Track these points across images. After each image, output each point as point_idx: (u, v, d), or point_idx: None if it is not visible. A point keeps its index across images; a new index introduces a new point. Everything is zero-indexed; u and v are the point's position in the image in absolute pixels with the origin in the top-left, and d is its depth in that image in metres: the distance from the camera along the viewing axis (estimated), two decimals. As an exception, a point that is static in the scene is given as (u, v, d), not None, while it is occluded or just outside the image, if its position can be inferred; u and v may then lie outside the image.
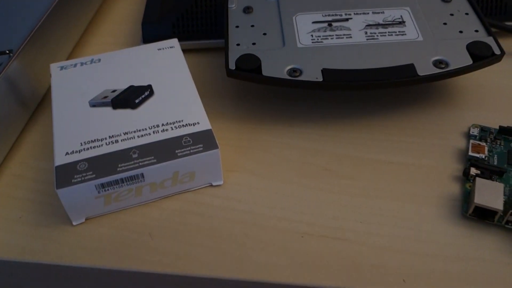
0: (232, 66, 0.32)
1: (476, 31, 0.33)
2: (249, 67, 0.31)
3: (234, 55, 0.32)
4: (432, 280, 0.25)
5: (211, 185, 0.30)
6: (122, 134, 0.28)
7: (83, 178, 0.26)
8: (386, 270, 0.26)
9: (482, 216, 0.27)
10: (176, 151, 0.27)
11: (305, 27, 0.34)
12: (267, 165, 0.31)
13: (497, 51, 0.31)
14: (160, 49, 0.34)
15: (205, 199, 0.29)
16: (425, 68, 0.31)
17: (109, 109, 0.30)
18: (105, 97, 0.31)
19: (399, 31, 0.34)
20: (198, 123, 0.29)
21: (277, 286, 0.26)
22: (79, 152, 0.27)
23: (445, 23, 0.34)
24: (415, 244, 0.27)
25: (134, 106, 0.30)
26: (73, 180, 0.26)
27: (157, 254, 0.27)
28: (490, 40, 0.32)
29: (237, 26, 0.35)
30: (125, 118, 0.29)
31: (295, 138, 0.33)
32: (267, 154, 0.32)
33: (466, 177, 0.30)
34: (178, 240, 0.27)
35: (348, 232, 0.27)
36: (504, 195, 0.28)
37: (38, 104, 0.36)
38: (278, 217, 0.28)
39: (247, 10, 0.36)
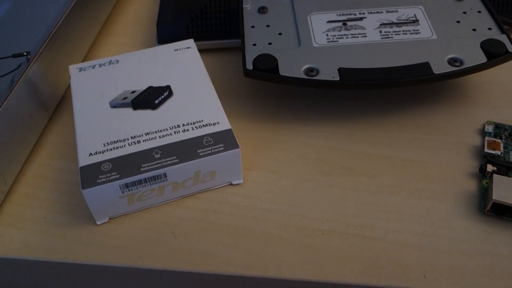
0: (249, 66, 0.32)
1: (489, 29, 0.34)
2: (266, 67, 0.32)
3: (251, 55, 0.33)
4: (452, 275, 0.26)
5: (231, 184, 0.30)
6: (144, 135, 0.29)
7: (107, 179, 0.26)
8: (406, 267, 0.26)
9: (500, 212, 0.28)
10: (198, 151, 0.28)
11: (320, 26, 0.35)
12: (285, 163, 0.32)
13: (510, 49, 0.32)
14: (176, 49, 0.35)
15: (226, 198, 0.30)
16: (440, 67, 0.31)
17: (129, 110, 0.30)
18: (125, 98, 0.31)
19: (413, 30, 0.34)
20: (218, 123, 0.29)
21: (300, 283, 0.26)
22: (103, 152, 0.28)
23: (458, 21, 0.34)
24: (433, 240, 0.27)
25: (154, 106, 0.30)
26: (98, 181, 0.26)
27: (181, 252, 0.27)
28: (503, 38, 0.33)
29: (252, 26, 0.35)
30: (146, 118, 0.30)
31: (311, 136, 0.33)
32: (284, 153, 0.32)
33: (482, 174, 0.30)
34: (200, 238, 0.28)
35: (368, 229, 0.28)
36: (521, 191, 0.29)
37: (57, 106, 0.37)
38: (298, 215, 0.29)
39: (262, 10, 0.37)
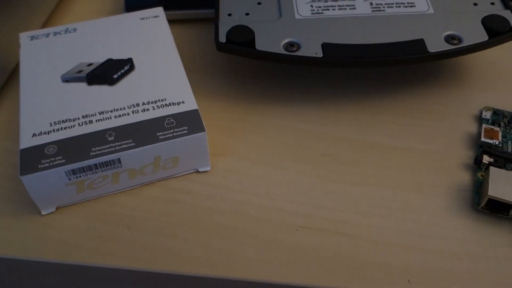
0: (222, 38, 0.29)
1: (492, 3, 0.30)
2: (241, 40, 0.28)
3: (225, 26, 0.29)
4: (439, 280, 0.23)
5: (198, 171, 0.27)
6: (97, 114, 0.25)
7: (51, 164, 0.23)
8: (389, 269, 0.23)
9: (495, 209, 0.25)
10: (158, 134, 0.24)
11: (304, -4, 0.31)
12: (261, 149, 0.28)
13: (515, 26, 0.28)
14: (143, 18, 0.31)
15: (191, 187, 0.26)
16: (436, 44, 0.28)
17: (83, 85, 0.27)
18: (80, 71, 0.27)
19: (407, 3, 0.30)
20: (183, 102, 0.26)
21: (268, 285, 0.23)
22: (48, 133, 0.24)
23: (458, -6, 0.31)
24: (421, 239, 0.24)
25: (111, 82, 0.27)
26: (39, 166, 0.23)
27: (136, 248, 0.24)
28: (507, 14, 0.29)
29: (228, -6, 0.32)
30: (102, 95, 0.26)
31: (292, 119, 0.30)
32: (260, 137, 0.29)
33: (478, 166, 0.27)
34: (159, 233, 0.24)
35: (348, 225, 0.25)
36: (520, 186, 0.26)
37: (8, 79, 0.33)
38: (271, 208, 0.25)
39: (240, -24, 0.33)
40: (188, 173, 0.27)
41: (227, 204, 0.26)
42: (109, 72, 0.27)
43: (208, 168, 0.27)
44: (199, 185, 0.26)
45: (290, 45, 0.28)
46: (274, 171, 0.27)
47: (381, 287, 0.23)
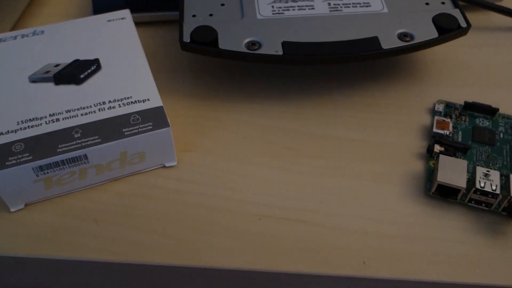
0: (186, 38, 0.30)
1: (443, 3, 0.32)
2: (205, 39, 0.29)
3: (189, 27, 0.30)
4: (393, 261, 0.24)
5: (164, 166, 0.28)
6: (64, 112, 0.26)
7: (18, 160, 0.24)
8: (346, 253, 0.24)
9: (445, 194, 0.26)
10: (123, 130, 0.25)
11: (265, -3, 0.32)
12: (225, 144, 0.29)
13: (463, 24, 0.30)
14: (110, 20, 0.32)
15: (157, 182, 0.27)
16: (389, 41, 0.29)
17: (51, 85, 0.27)
18: (47, 71, 0.28)
19: (363, 2, 0.32)
20: (148, 99, 0.27)
21: (233, 272, 0.24)
22: (15, 132, 0.25)
23: (411, -6, 0.33)
24: (376, 224, 0.26)
25: (78, 81, 0.28)
26: (7, 163, 0.24)
27: (104, 241, 0.25)
28: (456, 13, 0.31)
29: (193, -4, 0.33)
30: (69, 94, 0.27)
31: (255, 115, 0.31)
32: (225, 133, 0.30)
33: (430, 155, 0.29)
34: (127, 226, 0.25)
35: (308, 213, 0.26)
36: (468, 172, 0.27)
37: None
38: (235, 199, 0.27)
39: (204, -21, 0.34)
40: (155, 168, 0.28)
41: (193, 197, 0.27)
42: (76, 72, 0.28)
43: (174, 163, 0.28)
44: (165, 180, 0.27)
45: (252, 44, 0.29)
46: (238, 165, 0.28)
47: (339, 269, 0.24)
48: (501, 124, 0.30)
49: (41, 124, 0.25)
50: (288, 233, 0.25)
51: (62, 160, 0.24)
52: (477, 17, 0.38)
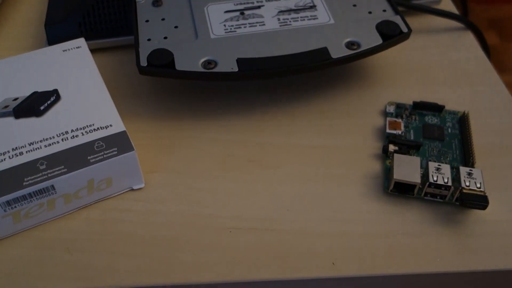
0: (143, 62, 0.30)
1: (384, 10, 0.34)
2: (162, 62, 0.30)
3: (145, 51, 0.31)
4: (360, 259, 0.25)
5: (132, 189, 0.28)
6: (27, 145, 0.26)
7: (-16, 198, 0.24)
8: (315, 255, 0.26)
9: (402, 190, 0.28)
10: (88, 158, 0.26)
11: (217, 17, 0.33)
12: (191, 161, 0.30)
13: (404, 29, 0.32)
14: (65, 50, 0.32)
15: (127, 205, 0.28)
16: (338, 51, 0.31)
17: (11, 119, 0.28)
18: (6, 106, 0.28)
19: (311, 16, 0.34)
20: (110, 125, 0.27)
21: (207, 286, 0.25)
22: (-21, 169, 0.25)
23: (354, 5, 0.34)
24: (342, 225, 0.27)
25: (38, 113, 0.28)
26: (-27, 201, 0.24)
27: (78, 269, 0.25)
28: (397, 19, 0.33)
29: (147, 21, 0.33)
30: (30, 127, 0.27)
31: (218, 131, 0.32)
32: (190, 150, 0.31)
33: (385, 154, 0.30)
34: (99, 252, 0.26)
35: (276, 221, 0.27)
36: (422, 168, 0.29)
37: None
38: (204, 215, 0.27)
39: (156, 3, 0.35)
40: (123, 192, 0.28)
41: (163, 216, 0.27)
42: (35, 104, 0.28)
43: (142, 185, 0.28)
44: (134, 202, 0.28)
45: (207, 63, 0.30)
46: (205, 181, 0.29)
47: (309, 272, 0.25)
48: (448, 120, 0.32)
49: (4, 159, 0.25)
50: (258, 242, 0.26)
51: (29, 193, 0.24)
52: (419, 21, 0.40)
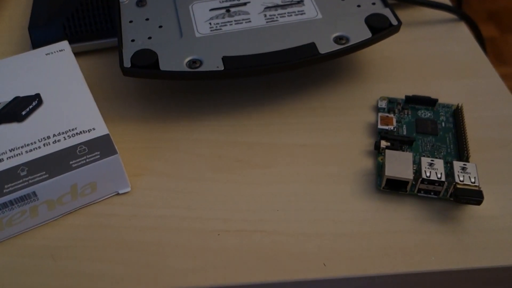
0: (127, 64, 0.30)
1: (373, 3, 0.33)
2: (145, 63, 0.30)
3: (128, 52, 0.30)
4: (352, 259, 0.25)
5: (118, 194, 0.28)
6: (8, 151, 0.25)
7: (-37, 207, 0.23)
8: (306, 257, 0.25)
9: (395, 187, 0.27)
10: (71, 163, 0.25)
11: (202, 15, 0.33)
12: (178, 163, 0.29)
13: (394, 22, 0.32)
14: (48, 53, 0.32)
15: (112, 210, 0.27)
16: (326, 46, 0.30)
17: (-8, 126, 0.27)
18: (-13, 112, 0.28)
19: (298, 11, 0.33)
20: (93, 129, 0.27)
21: (195, 291, 0.24)
22: (-42, 177, 0.24)
23: (343, -1, 0.34)
24: (333, 225, 0.26)
25: (20, 118, 0.27)
26: (-49, 211, 0.23)
27: (62, 277, 0.24)
28: (387, 12, 0.32)
29: (130, 21, 0.33)
30: (11, 133, 0.26)
31: (205, 132, 0.31)
32: (176, 152, 0.30)
33: (377, 151, 0.29)
34: (85, 258, 0.25)
35: (265, 223, 0.26)
36: (415, 163, 0.28)
37: None
38: (192, 218, 0.27)
39: (140, 3, 0.34)
40: (109, 197, 0.28)
41: (150, 220, 0.27)
42: (16, 109, 0.28)
43: (128, 189, 0.28)
44: (120, 207, 0.27)
45: (192, 62, 0.30)
46: (192, 183, 0.28)
47: (300, 274, 0.24)
48: (442, 113, 0.31)
49: (-16, 167, 0.25)
50: (247, 245, 0.25)
51: (10, 200, 0.24)
52: (410, 13, 0.40)
